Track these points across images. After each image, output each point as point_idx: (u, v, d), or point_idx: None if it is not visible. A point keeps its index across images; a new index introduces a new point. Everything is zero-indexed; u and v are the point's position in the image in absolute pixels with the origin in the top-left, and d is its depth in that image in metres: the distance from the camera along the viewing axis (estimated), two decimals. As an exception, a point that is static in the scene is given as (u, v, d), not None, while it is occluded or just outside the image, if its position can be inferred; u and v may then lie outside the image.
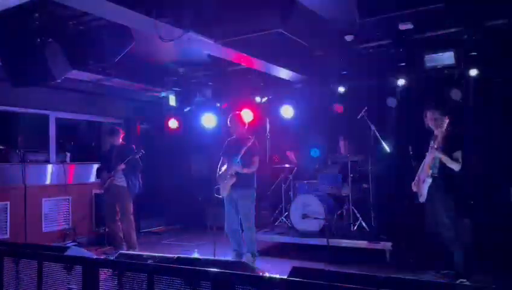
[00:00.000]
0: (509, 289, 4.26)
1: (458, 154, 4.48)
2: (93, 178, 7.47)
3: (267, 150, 6.97)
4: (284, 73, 6.74)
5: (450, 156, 4.48)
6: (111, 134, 6.46)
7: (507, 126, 6.29)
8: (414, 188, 4.83)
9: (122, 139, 6.49)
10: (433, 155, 4.56)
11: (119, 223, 6.23)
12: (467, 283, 4.32)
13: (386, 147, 6.40)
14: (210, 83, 7.85)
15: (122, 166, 6.07)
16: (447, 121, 4.59)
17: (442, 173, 4.54)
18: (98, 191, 7.59)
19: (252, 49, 5.68)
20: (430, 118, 4.69)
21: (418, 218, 5.48)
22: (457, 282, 4.37)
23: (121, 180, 6.14)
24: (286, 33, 5.39)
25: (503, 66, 5.90)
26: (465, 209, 5.84)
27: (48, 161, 7.25)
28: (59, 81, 5.00)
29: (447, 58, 5.81)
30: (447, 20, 5.32)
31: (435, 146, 4.52)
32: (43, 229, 6.98)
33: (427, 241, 5.97)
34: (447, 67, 5.93)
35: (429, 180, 4.60)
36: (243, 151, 5.16)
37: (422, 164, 4.72)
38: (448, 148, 4.50)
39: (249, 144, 5.19)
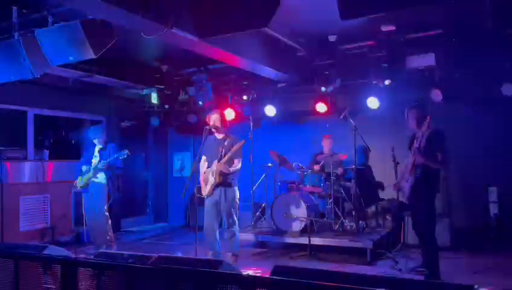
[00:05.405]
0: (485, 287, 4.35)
1: (442, 156, 4.52)
2: (72, 176, 7.33)
3: (250, 149, 6.96)
4: (267, 72, 6.74)
5: (434, 156, 4.53)
6: (101, 132, 6.20)
7: (485, 127, 6.43)
8: (394, 189, 4.87)
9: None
10: (416, 157, 4.56)
11: (99, 221, 6.12)
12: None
13: (368, 147, 6.48)
14: (194, 81, 7.78)
15: (105, 165, 5.94)
16: (428, 120, 4.63)
17: (425, 173, 4.56)
18: (77, 190, 7.46)
19: (236, 48, 5.66)
20: (411, 118, 4.74)
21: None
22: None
23: (100, 178, 6.04)
24: (270, 32, 5.39)
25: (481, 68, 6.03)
26: (444, 208, 5.97)
27: (25, 158, 7.09)
28: (38, 76, 4.88)
29: (427, 59, 5.93)
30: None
31: (417, 146, 4.55)
32: (21, 228, 6.82)
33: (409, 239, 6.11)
34: (428, 68, 6.05)
35: (412, 180, 4.62)
36: (232, 151, 5.10)
37: (405, 164, 4.76)
38: (431, 148, 4.54)
39: (238, 143, 5.13)
